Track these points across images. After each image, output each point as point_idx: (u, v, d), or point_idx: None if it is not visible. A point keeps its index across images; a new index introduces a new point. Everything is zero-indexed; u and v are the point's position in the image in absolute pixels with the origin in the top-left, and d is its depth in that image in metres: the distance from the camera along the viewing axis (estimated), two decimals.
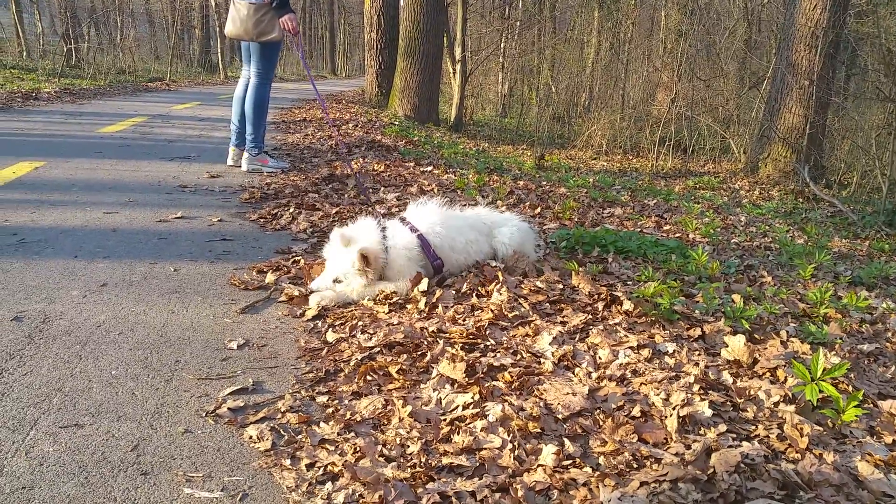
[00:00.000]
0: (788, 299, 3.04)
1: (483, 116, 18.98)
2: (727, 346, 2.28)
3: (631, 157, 12.24)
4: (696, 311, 2.65)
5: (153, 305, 2.65)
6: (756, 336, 2.49)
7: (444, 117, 14.57)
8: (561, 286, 2.80)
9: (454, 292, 2.71)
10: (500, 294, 2.63)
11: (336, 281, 2.77)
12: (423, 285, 2.73)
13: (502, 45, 18.75)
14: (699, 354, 2.25)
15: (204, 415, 1.88)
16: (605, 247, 3.55)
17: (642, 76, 16.84)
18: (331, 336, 2.42)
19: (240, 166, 5.68)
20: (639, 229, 4.25)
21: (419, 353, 2.23)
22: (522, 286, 2.78)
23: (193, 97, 14.11)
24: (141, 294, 2.77)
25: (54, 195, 4.36)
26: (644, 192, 6.51)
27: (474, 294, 2.71)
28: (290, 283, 2.97)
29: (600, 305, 2.66)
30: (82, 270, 3.00)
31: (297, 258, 3.29)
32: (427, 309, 2.59)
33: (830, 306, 2.94)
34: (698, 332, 2.47)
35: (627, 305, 2.59)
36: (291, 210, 4.16)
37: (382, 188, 4.79)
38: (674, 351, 2.24)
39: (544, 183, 5.97)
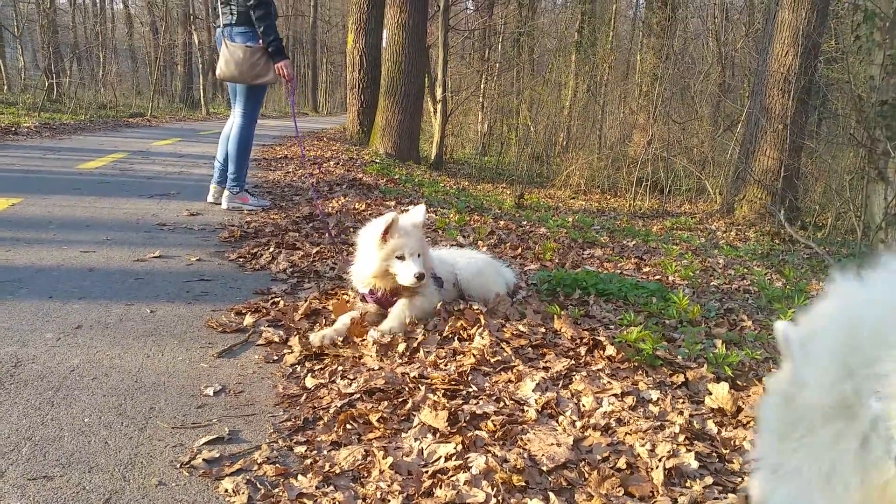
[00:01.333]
0: (769, 344, 3.06)
1: (463, 154, 19.14)
2: (711, 394, 2.27)
3: (609, 197, 12.38)
4: (679, 357, 2.64)
5: (128, 349, 2.59)
6: (739, 383, 2.49)
7: (425, 155, 14.67)
8: (543, 330, 2.79)
9: (437, 336, 2.68)
10: (483, 338, 2.61)
11: (399, 258, 2.79)
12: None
13: (482, 85, 19.02)
14: (683, 402, 2.24)
15: (178, 466, 1.83)
16: (587, 289, 3.55)
17: (618, 118, 17.15)
18: (310, 382, 2.37)
19: (220, 203, 5.65)
20: (619, 271, 4.27)
21: (400, 399, 2.20)
22: (504, 329, 2.76)
23: (174, 133, 14.10)
24: (116, 337, 2.71)
25: (30, 233, 4.28)
26: (623, 232, 6.56)
27: (456, 338, 2.69)
28: (268, 325, 2.92)
29: (583, 350, 2.65)
30: (57, 311, 2.93)
31: (276, 299, 3.25)
32: (408, 353, 2.56)
33: None
34: (681, 378, 2.47)
35: (610, 350, 2.58)
36: (271, 249, 4.13)
37: (362, 227, 4.76)
38: (658, 398, 2.23)
39: (525, 223, 6.00)
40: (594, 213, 9.84)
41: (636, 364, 2.53)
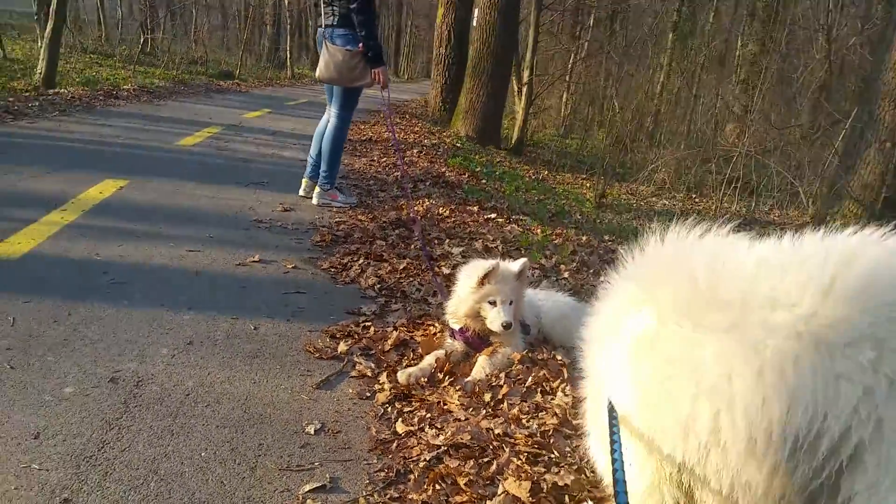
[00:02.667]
0: None
1: (544, 136, 18.98)
2: None
3: (695, 196, 12.09)
4: None
5: (236, 372, 2.81)
6: None
7: (506, 134, 14.64)
8: None
9: (521, 387, 2.79)
10: (565, 395, 2.70)
11: (492, 303, 2.95)
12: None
13: (570, 66, 18.69)
14: None
15: None
16: None
17: (711, 107, 16.61)
18: (400, 427, 2.53)
19: (310, 198, 5.87)
20: None
21: (485, 459, 2.33)
22: None
23: (263, 102, 14.50)
24: (225, 357, 2.93)
25: (139, 224, 4.59)
26: None
27: (539, 390, 2.79)
28: (360, 353, 3.09)
29: None
30: (169, 323, 3.18)
31: (366, 323, 3.41)
32: (493, 403, 2.68)
33: None
34: None
35: None
36: (360, 262, 4.30)
37: (448, 239, 4.89)
38: None
39: (606, 237, 5.99)
40: (677, 218, 9.65)
41: None
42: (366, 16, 5.14)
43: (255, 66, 28.63)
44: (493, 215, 5.78)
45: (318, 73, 5.44)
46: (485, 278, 2.97)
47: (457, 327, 3.09)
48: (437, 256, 4.58)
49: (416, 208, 5.72)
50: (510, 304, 2.98)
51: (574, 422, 2.57)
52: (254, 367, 2.88)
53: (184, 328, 3.16)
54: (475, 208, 6.01)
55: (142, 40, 23.31)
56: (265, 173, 6.85)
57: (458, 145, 11.59)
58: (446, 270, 4.22)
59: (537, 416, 2.61)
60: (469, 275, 3.06)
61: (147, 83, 14.00)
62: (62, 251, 3.93)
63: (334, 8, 5.26)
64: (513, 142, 14.13)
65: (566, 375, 2.85)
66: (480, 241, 4.88)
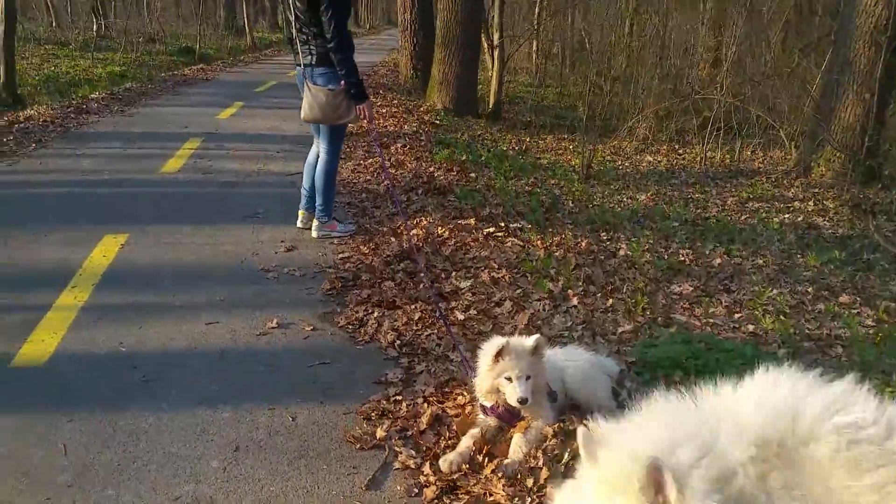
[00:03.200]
0: None
1: (518, 87, 18.79)
2: None
3: (678, 149, 12.15)
4: None
5: (287, 481, 2.93)
6: None
7: (482, 95, 14.49)
8: None
9: (560, 467, 2.94)
10: None
11: (508, 379, 3.04)
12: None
13: (537, 13, 18.33)
14: None
15: None
16: (686, 369, 3.74)
17: (685, 46, 16.50)
18: None
19: (309, 229, 5.93)
20: (709, 321, 4.43)
21: None
22: None
23: (233, 93, 14.18)
24: (272, 462, 3.05)
25: (151, 295, 4.64)
26: (701, 231, 6.60)
27: (576, 466, 2.94)
28: (398, 438, 3.22)
29: None
30: (211, 426, 3.29)
31: (397, 397, 3.54)
32: (536, 489, 2.84)
33: None
34: None
35: None
36: (375, 314, 4.40)
37: (454, 272, 4.99)
38: None
39: (604, 236, 6.10)
40: (664, 177, 9.76)
41: None
42: (344, 54, 5.09)
43: (214, 35, 27.89)
44: (491, 229, 5.86)
45: (302, 114, 5.42)
46: (498, 355, 3.09)
47: (487, 404, 3.22)
48: (447, 294, 4.68)
49: (413, 231, 5.79)
50: (526, 378, 3.09)
51: None
52: (302, 472, 3.00)
53: (227, 431, 3.27)
54: (472, 221, 6.08)
55: (95, 26, 22.63)
56: (257, 200, 6.84)
57: (438, 121, 11.55)
58: (460, 315, 4.34)
59: None
60: (485, 353, 3.17)
61: (114, 90, 13.64)
62: (86, 345, 3.99)
63: (311, 48, 5.20)
64: (490, 107, 14.04)
65: None
66: (486, 270, 4.97)
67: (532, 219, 6.23)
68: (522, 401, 3.04)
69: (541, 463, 2.97)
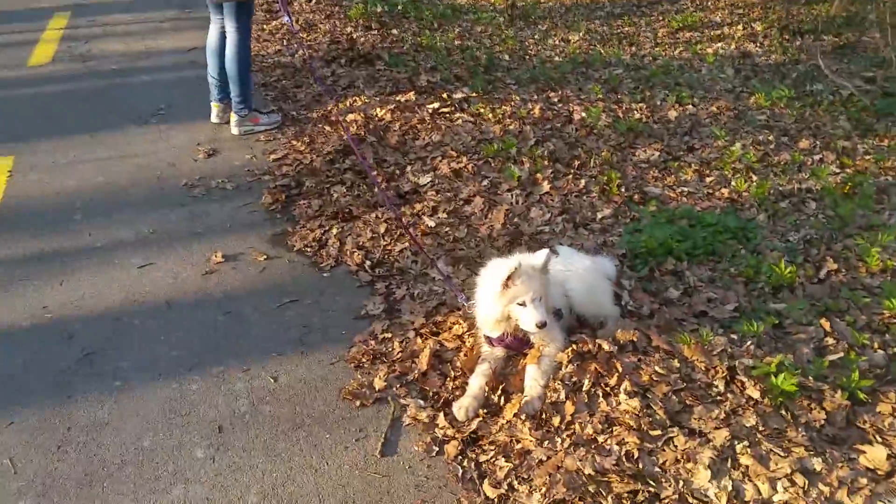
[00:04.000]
0: (868, 309, 3.18)
1: None
2: (865, 454, 2.45)
3: None
4: (810, 378, 2.77)
5: (290, 461, 2.61)
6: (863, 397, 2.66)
7: None
8: (676, 364, 2.85)
9: (583, 395, 2.74)
10: (630, 398, 2.68)
11: (521, 304, 2.75)
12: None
13: None
14: (843, 467, 2.41)
15: None
16: (678, 255, 3.56)
17: None
18: (490, 490, 2.47)
19: (226, 124, 5.20)
20: (683, 192, 4.21)
21: None
22: (641, 372, 2.82)
23: None
24: (266, 441, 2.71)
25: (61, 238, 3.96)
26: (647, 80, 6.22)
27: (600, 393, 2.75)
28: (401, 386, 2.92)
29: (720, 384, 2.75)
30: (181, 404, 2.87)
31: (385, 334, 3.19)
32: (563, 426, 2.64)
33: None
34: (821, 414, 2.63)
35: (753, 393, 2.69)
36: (333, 230, 3.93)
37: (408, 167, 4.49)
38: (822, 469, 2.40)
39: (551, 95, 5.64)
40: (590, 9, 9.13)
41: (780, 402, 2.66)
42: None
43: None
44: (436, 105, 5.29)
45: None
46: (509, 279, 2.77)
47: (494, 334, 2.93)
48: (408, 194, 4.23)
49: (350, 117, 5.15)
50: (540, 300, 2.81)
51: (652, 432, 2.59)
52: (303, 447, 2.68)
53: (201, 407, 2.86)
54: (411, 95, 5.48)
55: None
56: (157, 91, 5.92)
57: None
58: (430, 222, 3.93)
59: (612, 432, 2.60)
60: (491, 278, 2.84)
61: None
62: (3, 318, 3.38)
63: None
64: None
65: (620, 369, 2.81)
66: (444, 160, 4.50)
67: (475, 86, 5.67)
68: (542, 324, 2.75)
69: (563, 396, 2.76)
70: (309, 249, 3.84)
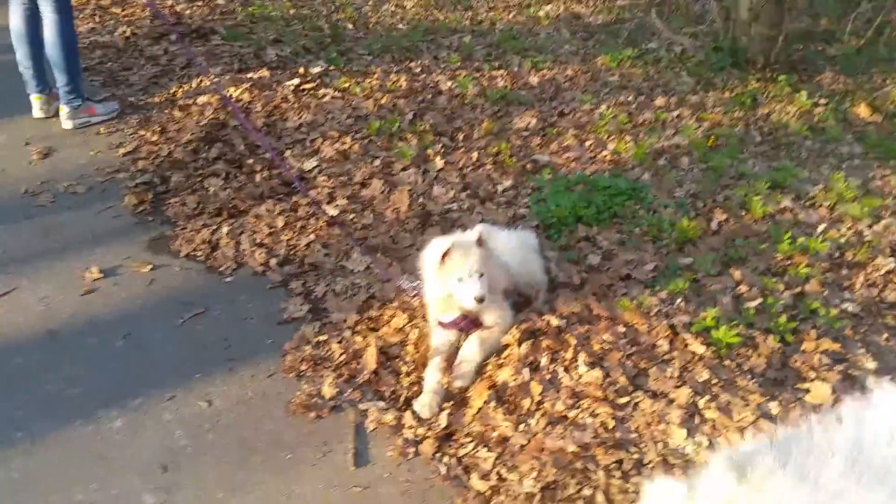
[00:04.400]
0: (765, 255, 3.49)
1: None
2: (809, 392, 2.70)
3: None
4: (742, 326, 2.98)
5: (256, 490, 2.34)
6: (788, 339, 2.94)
7: None
8: (622, 329, 2.94)
9: (545, 375, 2.73)
10: (589, 368, 2.72)
11: (460, 280, 2.66)
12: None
13: None
14: (794, 407, 2.63)
15: None
16: (586, 222, 3.66)
17: None
18: (479, 484, 2.40)
19: (54, 116, 4.50)
20: (569, 158, 4.33)
21: (585, 490, 2.35)
22: (592, 342, 2.87)
23: None
24: (221, 475, 2.40)
25: None
26: (497, 46, 6.26)
27: (561, 369, 2.76)
28: (354, 390, 2.72)
29: (665, 344, 2.88)
30: (106, 447, 2.46)
31: (319, 337, 2.95)
32: (534, 407, 2.63)
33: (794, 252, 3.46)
34: (762, 361, 2.84)
35: (698, 348, 2.84)
36: (221, 228, 3.54)
37: (287, 151, 4.16)
38: (779, 412, 2.60)
39: (414, 68, 5.49)
40: None
41: (723, 353, 2.84)
42: None
43: None
44: (295, 81, 4.92)
45: None
46: (444, 257, 2.69)
47: (446, 318, 2.82)
48: (298, 179, 3.93)
49: (201, 100, 4.66)
50: (480, 275, 2.75)
51: (619, 400, 2.65)
52: (266, 473, 2.42)
53: (134, 447, 2.47)
54: (264, 72, 5.06)
55: None
56: None
57: None
58: (331, 211, 3.68)
59: (581, 406, 2.63)
60: (430, 258, 2.75)
61: None
62: None
63: None
64: None
65: (573, 342, 2.83)
66: (325, 141, 4.22)
67: (334, 60, 5.37)
68: (480, 299, 2.67)
69: (526, 377, 2.74)
70: (199, 253, 3.43)
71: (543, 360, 2.79)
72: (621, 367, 2.76)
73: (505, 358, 2.81)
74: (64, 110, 4.39)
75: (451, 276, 2.69)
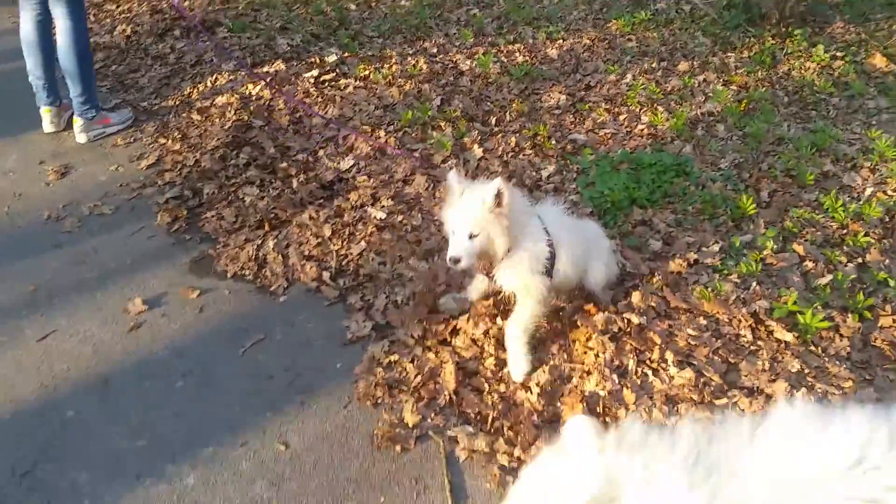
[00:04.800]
0: (820, 225, 3.37)
1: None
2: None
3: None
4: (818, 304, 2.87)
5: None
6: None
7: None
8: (703, 322, 2.82)
9: (634, 378, 2.61)
10: (679, 368, 2.61)
11: (472, 236, 2.42)
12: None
13: None
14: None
15: None
16: (641, 203, 3.52)
17: None
18: None
19: (65, 130, 4.29)
20: (606, 135, 4.16)
21: None
22: (676, 338, 2.75)
23: None
24: None
25: None
26: (506, 17, 6.00)
27: (648, 371, 2.64)
28: (437, 415, 2.58)
29: (748, 333, 2.77)
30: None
31: (389, 358, 2.80)
32: (629, 416, 2.51)
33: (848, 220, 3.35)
34: (845, 343, 2.74)
35: (784, 336, 2.73)
36: (271, 244, 3.37)
37: (319, 150, 3.97)
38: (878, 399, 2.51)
39: (431, 48, 5.25)
40: None
41: (807, 339, 2.73)
42: None
43: None
44: (315, 73, 4.70)
45: None
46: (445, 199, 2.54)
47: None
48: (331, 183, 3.74)
49: (220, 100, 4.43)
50: (470, 236, 2.44)
51: (716, 401, 2.53)
52: None
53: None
54: (280, 65, 4.83)
55: None
56: None
57: None
58: (379, 214, 3.50)
59: (679, 411, 2.52)
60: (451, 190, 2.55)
61: None
62: None
63: None
64: None
65: (657, 340, 2.71)
66: (357, 138, 4.02)
67: (349, 46, 5.13)
68: (454, 260, 2.44)
69: (616, 384, 2.62)
70: (247, 272, 3.27)
71: (630, 364, 2.67)
72: (711, 363, 2.65)
73: (590, 365, 2.69)
74: (78, 123, 4.16)
75: (448, 223, 2.52)
